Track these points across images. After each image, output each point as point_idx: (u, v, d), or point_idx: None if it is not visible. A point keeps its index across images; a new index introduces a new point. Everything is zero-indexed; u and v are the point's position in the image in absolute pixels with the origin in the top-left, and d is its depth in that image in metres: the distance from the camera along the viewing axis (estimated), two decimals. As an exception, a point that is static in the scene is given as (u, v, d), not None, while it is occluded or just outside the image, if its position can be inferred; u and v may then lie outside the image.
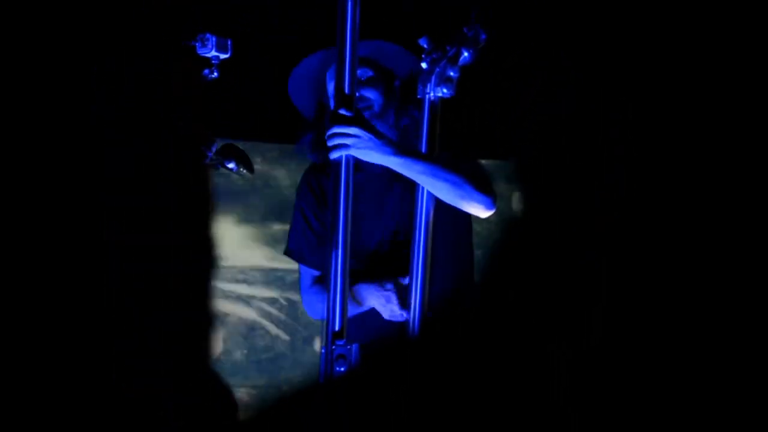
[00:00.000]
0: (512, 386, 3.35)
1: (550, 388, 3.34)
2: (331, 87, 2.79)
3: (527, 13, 3.37)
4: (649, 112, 3.38)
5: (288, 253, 2.96)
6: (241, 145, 2.78)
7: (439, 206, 2.61)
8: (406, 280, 2.63)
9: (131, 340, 2.76)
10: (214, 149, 2.68)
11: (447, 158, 2.58)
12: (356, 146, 2.49)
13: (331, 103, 2.70)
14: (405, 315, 2.64)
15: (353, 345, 2.45)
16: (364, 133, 2.50)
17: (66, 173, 2.60)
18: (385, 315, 2.71)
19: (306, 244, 2.89)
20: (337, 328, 2.45)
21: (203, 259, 3.33)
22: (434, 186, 2.58)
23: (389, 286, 2.70)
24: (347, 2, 2.46)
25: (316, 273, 2.92)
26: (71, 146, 2.61)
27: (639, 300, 3.36)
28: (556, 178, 3.49)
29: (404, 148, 2.58)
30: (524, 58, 3.43)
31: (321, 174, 2.86)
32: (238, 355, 3.76)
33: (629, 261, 3.39)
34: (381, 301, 2.69)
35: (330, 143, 2.51)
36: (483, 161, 2.75)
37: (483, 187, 2.62)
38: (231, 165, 2.73)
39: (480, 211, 2.65)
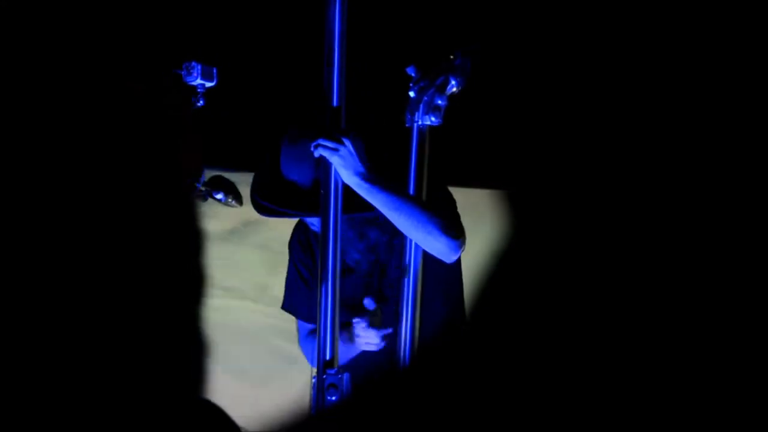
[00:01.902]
0: (512, 386, 3.37)
1: (550, 388, 3.35)
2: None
3: (526, 12, 3.33)
4: (649, 110, 3.35)
5: (285, 308, 2.99)
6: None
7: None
8: (371, 305, 2.64)
9: (131, 339, 2.79)
10: (202, 180, 2.69)
11: (420, 195, 2.56)
12: (339, 154, 2.51)
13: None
14: (380, 334, 2.65)
15: (344, 374, 2.47)
16: (351, 148, 2.52)
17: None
18: (363, 347, 2.72)
19: (299, 297, 2.91)
20: (327, 357, 2.47)
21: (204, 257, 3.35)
22: (397, 220, 2.54)
23: (354, 320, 2.69)
24: (335, 18, 2.47)
25: (313, 326, 2.93)
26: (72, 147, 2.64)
27: (639, 299, 3.36)
28: (555, 177, 3.48)
29: (377, 177, 2.55)
30: (523, 56, 3.40)
31: (310, 230, 2.87)
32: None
33: (629, 260, 3.38)
34: (355, 339, 2.71)
35: (316, 143, 2.54)
36: (478, 191, 2.73)
37: (450, 230, 2.55)
38: (219, 196, 2.74)
39: (443, 254, 2.59)
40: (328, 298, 2.47)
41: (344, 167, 2.50)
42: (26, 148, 2.17)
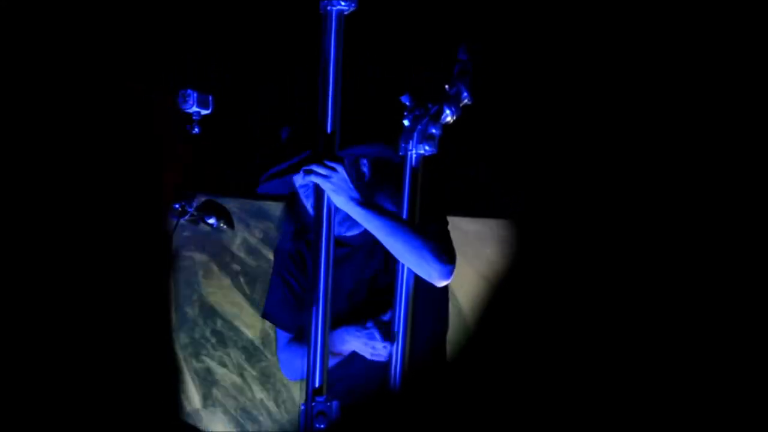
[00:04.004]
0: (512, 387, 3.36)
1: (550, 388, 3.34)
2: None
3: (524, 13, 3.34)
4: (648, 111, 3.36)
5: (265, 316, 2.93)
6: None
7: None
8: (387, 317, 2.63)
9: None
10: (194, 205, 2.69)
11: (413, 222, 2.57)
12: (331, 181, 2.51)
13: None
14: (389, 348, 2.63)
15: (333, 402, 2.46)
16: (344, 173, 2.52)
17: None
18: (368, 355, 2.68)
19: (284, 308, 2.87)
20: (317, 385, 2.46)
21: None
22: (391, 245, 2.58)
23: (370, 324, 2.67)
24: (330, 45, 2.47)
25: (291, 335, 2.89)
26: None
27: (638, 299, 3.35)
28: (555, 178, 3.48)
29: (370, 202, 2.58)
30: (520, 57, 3.42)
31: (299, 240, 2.85)
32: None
33: (628, 260, 3.38)
34: (363, 341, 2.67)
35: (306, 169, 2.53)
36: (477, 219, 2.73)
37: (442, 255, 2.59)
38: (211, 221, 2.74)
39: (434, 279, 2.62)
40: (318, 323, 2.46)
41: (337, 193, 2.51)
42: (24, 147, 2.15)
